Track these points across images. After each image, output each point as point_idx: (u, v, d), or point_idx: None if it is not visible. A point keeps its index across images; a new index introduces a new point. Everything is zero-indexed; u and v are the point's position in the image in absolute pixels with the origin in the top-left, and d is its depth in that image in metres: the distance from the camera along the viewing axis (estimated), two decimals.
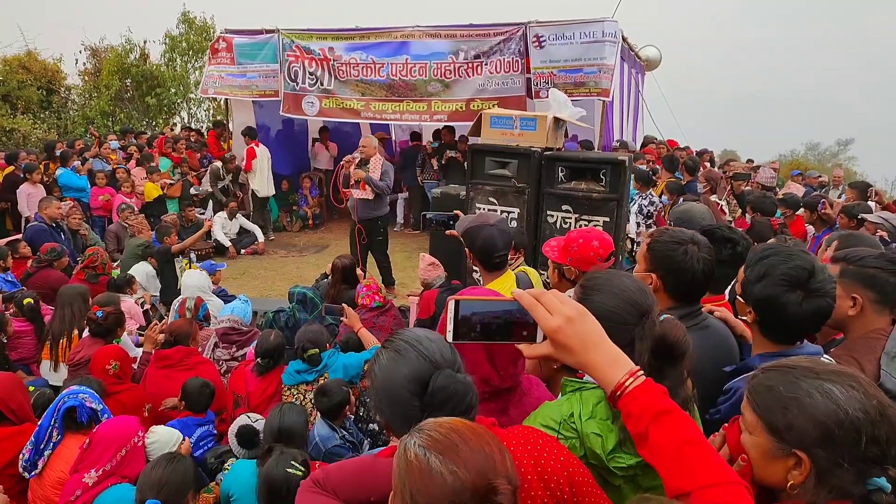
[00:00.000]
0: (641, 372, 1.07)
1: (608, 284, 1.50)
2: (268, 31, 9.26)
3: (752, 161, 13.62)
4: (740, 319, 1.81)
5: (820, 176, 11.79)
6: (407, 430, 1.03)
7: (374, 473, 1.33)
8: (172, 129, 14.66)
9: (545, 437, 1.26)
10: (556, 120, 4.24)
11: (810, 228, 6.04)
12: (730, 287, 2.15)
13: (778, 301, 1.65)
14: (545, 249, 2.43)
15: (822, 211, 5.94)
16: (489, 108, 7.81)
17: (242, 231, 9.25)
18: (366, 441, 3.17)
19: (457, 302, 1.15)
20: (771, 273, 1.66)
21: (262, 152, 9.62)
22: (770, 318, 1.70)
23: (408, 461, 0.97)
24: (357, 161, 6.29)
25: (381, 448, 1.59)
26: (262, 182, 9.63)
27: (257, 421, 2.91)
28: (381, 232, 6.61)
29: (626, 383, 1.07)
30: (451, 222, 2.84)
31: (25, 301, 4.58)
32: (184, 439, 2.84)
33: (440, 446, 0.96)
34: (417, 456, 0.96)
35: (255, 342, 3.69)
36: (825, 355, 1.73)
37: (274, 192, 10.06)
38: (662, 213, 6.79)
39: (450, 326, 1.15)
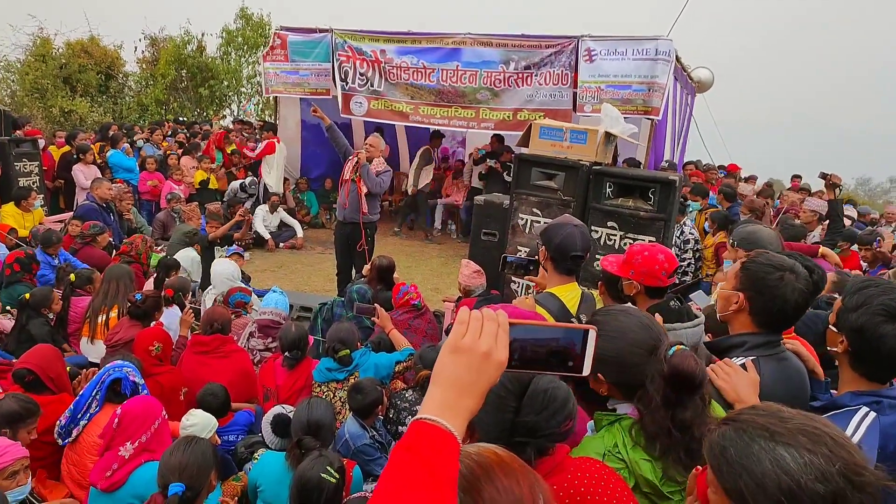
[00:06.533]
0: None
1: (608, 328, 1.45)
2: (321, 31, 9.39)
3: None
4: (831, 350, 1.74)
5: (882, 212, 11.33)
6: (495, 433, 0.97)
7: None
8: (221, 120, 15.01)
9: (614, 472, 1.23)
10: (607, 135, 4.18)
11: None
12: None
13: (874, 331, 1.58)
14: (603, 263, 2.36)
15: (878, 248, 5.73)
16: (536, 119, 7.77)
17: (283, 225, 9.38)
18: (394, 443, 3.15)
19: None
20: (869, 303, 1.59)
21: (281, 149, 9.74)
22: (863, 349, 1.62)
23: None
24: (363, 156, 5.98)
25: None
26: (276, 178, 9.74)
27: (291, 412, 2.92)
28: (369, 241, 6.18)
29: None
30: (532, 267, 2.76)
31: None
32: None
33: (463, 482, 0.87)
34: None
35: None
36: None
37: (282, 191, 10.01)
38: (698, 246, 6.30)
39: None
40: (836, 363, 1.75)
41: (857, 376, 1.67)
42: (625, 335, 1.42)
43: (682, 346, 1.43)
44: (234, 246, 6.31)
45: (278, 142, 9.78)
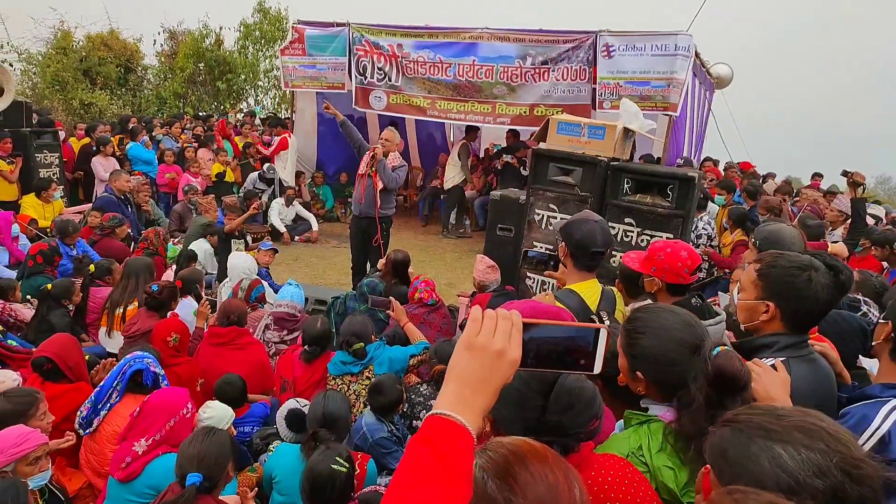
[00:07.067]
0: None
1: (652, 325, 1.45)
2: (339, 25, 9.38)
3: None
4: (875, 345, 1.72)
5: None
6: (520, 432, 0.98)
7: None
8: (238, 114, 15.09)
9: (637, 471, 1.21)
10: (626, 130, 4.14)
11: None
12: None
13: None
14: (625, 259, 2.33)
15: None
16: (553, 114, 7.72)
17: (298, 218, 9.42)
18: (410, 437, 3.15)
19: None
20: None
21: (293, 143, 9.83)
22: None
23: (475, 481, 0.91)
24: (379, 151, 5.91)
25: None
26: (289, 173, 9.79)
27: (305, 406, 2.93)
28: (384, 235, 6.12)
29: None
30: (552, 263, 2.74)
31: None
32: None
33: (497, 469, 0.89)
34: (476, 478, 0.89)
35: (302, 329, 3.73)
36: None
37: (296, 184, 10.08)
38: (712, 242, 6.26)
39: None
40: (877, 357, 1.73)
41: (895, 367, 1.64)
42: (668, 333, 1.41)
43: (725, 347, 1.41)
44: (269, 242, 6.36)
45: (290, 136, 9.85)
